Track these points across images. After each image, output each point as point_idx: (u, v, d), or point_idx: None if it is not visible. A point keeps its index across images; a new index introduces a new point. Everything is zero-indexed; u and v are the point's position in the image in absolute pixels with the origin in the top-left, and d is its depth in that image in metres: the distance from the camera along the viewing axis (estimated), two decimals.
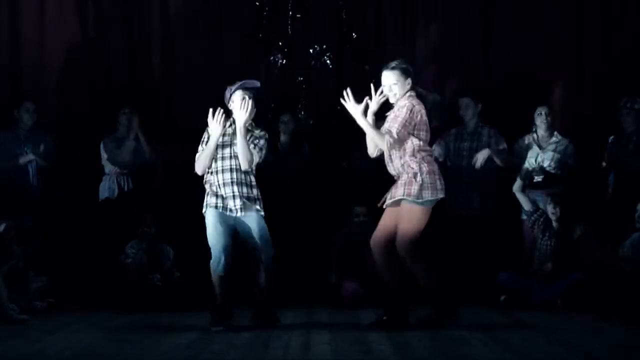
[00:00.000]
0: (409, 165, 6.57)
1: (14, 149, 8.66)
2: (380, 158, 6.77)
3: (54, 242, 8.66)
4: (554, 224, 8.22)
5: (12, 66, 9.46)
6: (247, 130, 6.74)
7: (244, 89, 6.82)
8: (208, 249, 6.71)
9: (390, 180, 6.76)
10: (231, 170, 6.75)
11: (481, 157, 8.58)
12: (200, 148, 6.81)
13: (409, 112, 6.57)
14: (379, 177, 7.05)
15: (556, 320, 7.23)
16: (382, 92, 6.67)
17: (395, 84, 6.66)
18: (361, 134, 6.78)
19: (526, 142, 8.69)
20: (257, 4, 9.45)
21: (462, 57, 9.55)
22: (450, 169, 8.68)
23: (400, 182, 6.63)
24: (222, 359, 5.48)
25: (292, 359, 5.51)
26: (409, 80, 6.69)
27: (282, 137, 9.01)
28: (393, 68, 6.68)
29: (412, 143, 6.58)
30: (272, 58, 9.47)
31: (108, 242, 8.48)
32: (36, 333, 6.62)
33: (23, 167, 8.64)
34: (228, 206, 6.71)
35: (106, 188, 8.84)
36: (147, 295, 8.01)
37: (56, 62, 9.47)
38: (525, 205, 8.39)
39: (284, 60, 9.46)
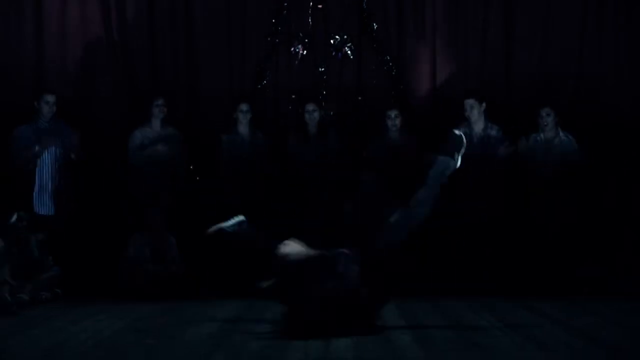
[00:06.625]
0: None
1: (32, 139, 8.63)
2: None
3: (66, 232, 8.66)
4: None
5: (36, 64, 9.48)
6: None
7: None
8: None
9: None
10: None
11: None
12: None
13: None
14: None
15: (578, 311, 7.22)
16: None
17: None
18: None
19: (531, 142, 8.67)
20: None
21: (483, 49, 9.51)
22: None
23: None
24: (243, 350, 5.50)
25: (313, 350, 5.52)
26: None
27: (310, 127, 8.98)
28: None
29: None
30: (293, 49, 9.48)
31: (116, 234, 8.59)
32: (60, 323, 6.66)
33: (39, 157, 8.63)
34: None
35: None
36: (151, 286, 8.05)
37: (79, 60, 9.49)
38: None
39: (305, 51, 9.46)
